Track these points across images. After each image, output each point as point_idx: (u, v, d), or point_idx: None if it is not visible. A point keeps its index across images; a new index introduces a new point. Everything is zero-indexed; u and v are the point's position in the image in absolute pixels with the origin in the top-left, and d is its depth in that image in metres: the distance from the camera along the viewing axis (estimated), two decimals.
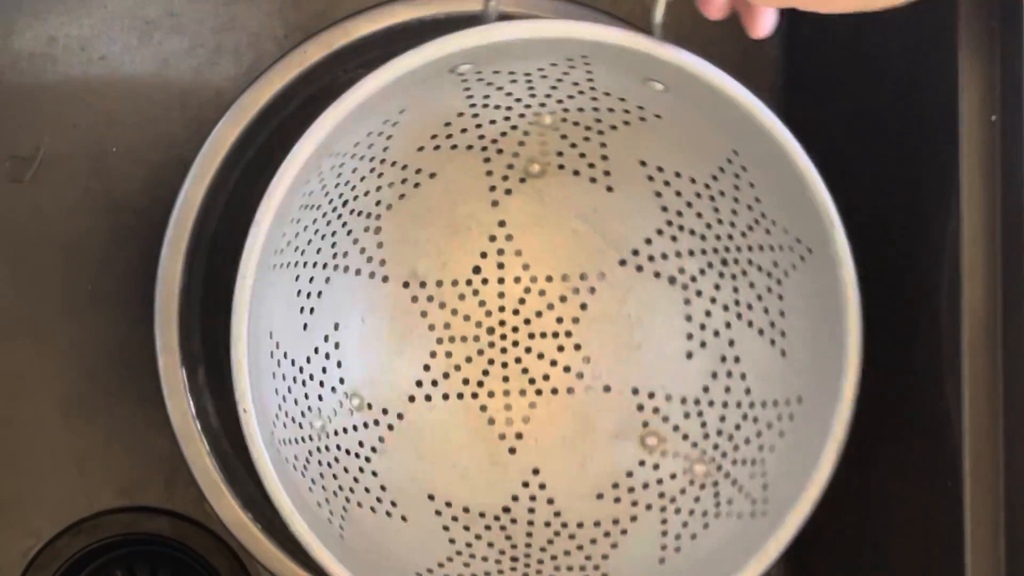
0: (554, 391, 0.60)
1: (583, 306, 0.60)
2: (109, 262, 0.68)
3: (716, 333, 0.58)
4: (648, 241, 0.59)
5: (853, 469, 0.61)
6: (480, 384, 0.60)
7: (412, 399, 0.59)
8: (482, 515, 0.58)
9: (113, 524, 0.68)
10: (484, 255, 0.60)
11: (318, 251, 0.56)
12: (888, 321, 0.56)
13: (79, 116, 0.68)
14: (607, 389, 0.60)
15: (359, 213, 0.57)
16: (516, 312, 0.60)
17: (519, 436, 0.60)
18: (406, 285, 0.59)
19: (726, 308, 0.58)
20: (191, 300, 0.59)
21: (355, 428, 0.58)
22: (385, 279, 0.59)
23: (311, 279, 0.57)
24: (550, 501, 0.58)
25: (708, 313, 0.58)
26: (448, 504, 0.58)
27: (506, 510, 0.58)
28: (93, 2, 0.69)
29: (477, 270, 0.60)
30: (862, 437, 0.60)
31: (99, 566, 0.68)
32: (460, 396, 0.60)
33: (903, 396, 0.56)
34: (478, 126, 0.57)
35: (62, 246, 0.68)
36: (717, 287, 0.58)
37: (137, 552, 0.68)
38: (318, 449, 0.56)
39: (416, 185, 0.58)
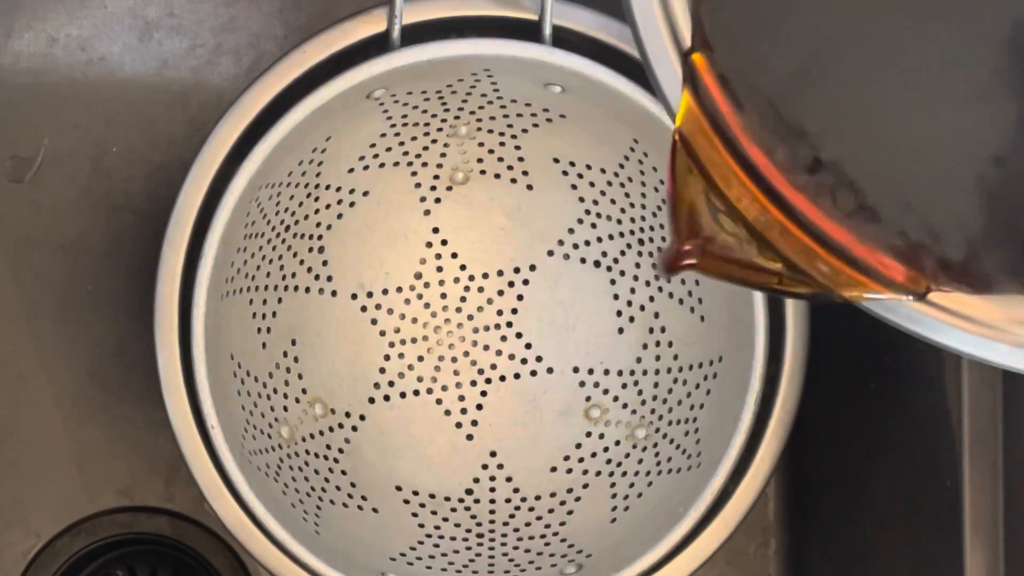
0: (502, 378, 0.64)
1: (519, 297, 0.64)
2: (109, 262, 0.68)
3: (642, 307, 0.63)
4: (571, 231, 0.63)
5: (853, 469, 0.63)
6: (434, 380, 0.64)
7: (372, 400, 0.64)
8: (447, 499, 0.63)
9: (113, 524, 0.67)
10: (423, 261, 0.64)
11: (268, 275, 0.61)
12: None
13: (79, 116, 0.68)
14: (550, 371, 0.64)
15: (302, 236, 0.62)
16: (459, 310, 0.64)
17: (474, 423, 0.64)
18: (354, 297, 0.64)
19: (648, 283, 0.62)
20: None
21: (321, 433, 0.62)
22: (334, 293, 0.63)
23: (264, 301, 0.61)
24: (509, 479, 0.63)
25: (632, 290, 0.63)
26: (415, 493, 0.63)
27: (469, 492, 0.63)
28: (93, 2, 0.68)
29: (418, 275, 0.64)
30: (863, 437, 0.62)
31: (99, 566, 0.68)
32: (416, 393, 0.64)
33: (903, 396, 0.58)
34: (401, 143, 0.61)
35: (62, 246, 0.68)
36: (637, 265, 0.62)
37: (137, 552, 0.68)
38: (288, 456, 0.60)
39: (352, 204, 0.62)
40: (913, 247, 0.36)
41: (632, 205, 0.61)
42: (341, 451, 0.62)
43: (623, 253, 0.62)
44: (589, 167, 0.61)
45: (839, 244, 0.36)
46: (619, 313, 0.63)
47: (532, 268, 0.64)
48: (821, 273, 0.37)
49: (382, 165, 0.62)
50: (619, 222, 0.62)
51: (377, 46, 0.56)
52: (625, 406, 0.63)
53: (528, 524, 0.62)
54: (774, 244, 0.37)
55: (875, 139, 0.36)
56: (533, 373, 0.64)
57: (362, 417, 0.63)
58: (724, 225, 0.38)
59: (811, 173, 0.36)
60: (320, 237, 0.62)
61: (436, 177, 0.63)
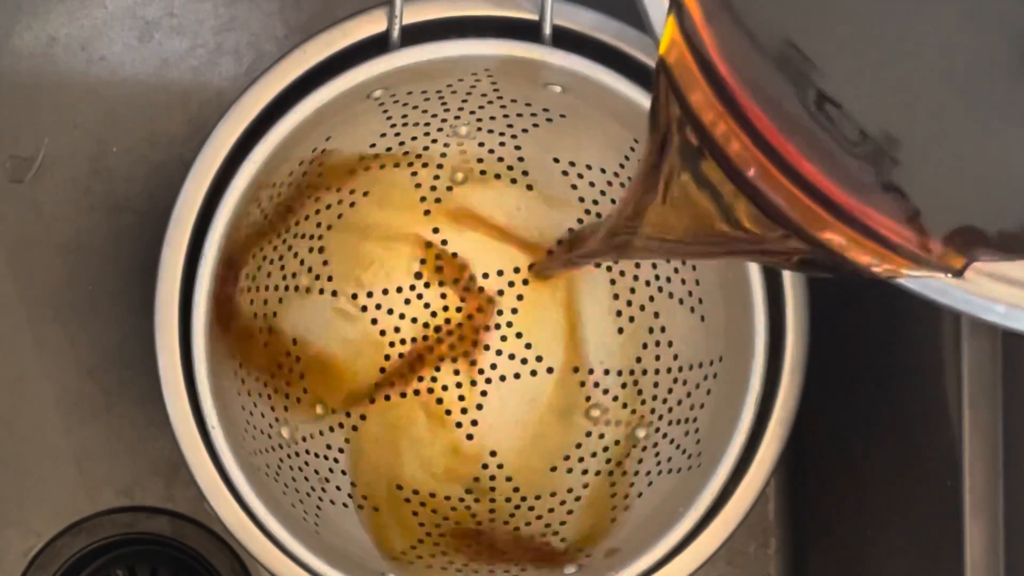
0: (502, 378, 0.64)
1: (519, 297, 0.64)
2: (109, 262, 0.68)
3: (642, 307, 0.63)
4: (571, 231, 0.63)
5: (853, 469, 0.63)
6: (434, 380, 0.64)
7: (372, 400, 0.64)
8: (447, 498, 0.63)
9: (113, 524, 0.67)
10: (423, 261, 0.64)
11: (268, 275, 0.61)
12: (888, 320, 0.58)
13: (79, 116, 0.68)
14: (550, 371, 0.64)
15: (302, 236, 0.62)
16: (459, 309, 0.64)
17: (475, 423, 0.64)
18: (354, 297, 0.64)
19: (648, 284, 0.62)
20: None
21: (321, 433, 0.62)
22: (334, 293, 0.63)
23: (265, 302, 0.61)
24: (508, 479, 0.63)
25: (632, 290, 0.63)
26: (415, 492, 0.63)
27: (469, 491, 0.63)
28: (93, 2, 0.68)
29: (419, 275, 0.64)
30: (863, 436, 0.62)
31: (99, 566, 0.68)
32: (416, 393, 0.64)
33: (903, 395, 0.58)
34: (401, 144, 0.61)
35: (62, 246, 0.68)
36: (637, 265, 0.62)
37: (137, 552, 0.68)
38: (288, 456, 0.60)
39: (352, 204, 0.62)
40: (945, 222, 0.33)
41: None
42: (341, 451, 0.62)
43: None
44: (589, 167, 0.61)
45: (848, 211, 0.33)
46: (619, 313, 0.63)
47: (532, 268, 0.64)
48: (827, 240, 0.34)
49: (382, 166, 0.62)
50: None
51: (377, 46, 0.56)
52: (625, 406, 0.63)
53: (528, 524, 0.62)
54: (763, 195, 0.33)
55: (889, 77, 0.33)
56: (533, 373, 0.64)
57: (362, 417, 0.63)
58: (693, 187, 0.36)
59: (813, 116, 0.32)
60: (321, 237, 0.62)
61: (436, 177, 0.63)
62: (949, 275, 0.34)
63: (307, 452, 0.61)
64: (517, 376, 0.64)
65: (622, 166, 0.60)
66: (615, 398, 0.63)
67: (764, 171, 0.33)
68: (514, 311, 0.64)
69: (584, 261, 0.59)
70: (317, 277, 0.63)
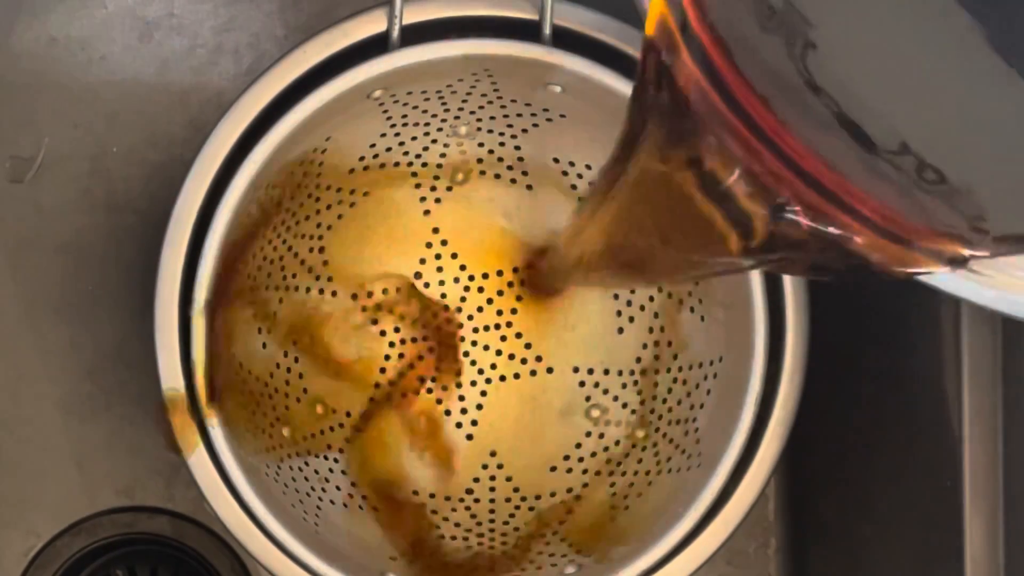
0: (502, 378, 0.64)
1: (519, 297, 0.64)
2: (109, 262, 0.68)
3: (642, 307, 0.63)
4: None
5: (853, 469, 0.63)
6: (434, 380, 0.64)
7: (373, 400, 0.64)
8: (447, 498, 0.63)
9: (113, 524, 0.67)
10: (423, 261, 0.64)
11: (268, 275, 0.61)
12: (888, 320, 0.59)
13: (79, 116, 0.68)
14: (550, 371, 0.64)
15: (302, 236, 0.62)
16: (459, 310, 0.64)
17: (475, 423, 0.64)
18: (354, 297, 0.64)
19: None
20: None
21: (321, 432, 0.62)
22: (334, 293, 0.63)
23: (264, 301, 0.61)
24: (508, 479, 0.63)
25: (632, 290, 0.63)
26: (415, 492, 0.63)
27: (469, 491, 0.63)
28: (93, 2, 0.68)
29: (419, 275, 0.64)
30: (863, 436, 0.62)
31: (99, 566, 0.68)
32: (416, 392, 0.64)
33: (903, 396, 0.58)
34: (401, 144, 0.61)
35: (62, 246, 0.68)
36: None
37: (137, 552, 0.68)
38: (288, 455, 0.60)
39: (352, 204, 0.62)
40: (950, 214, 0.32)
41: None
42: (341, 451, 0.62)
43: None
44: (588, 167, 0.61)
45: (858, 208, 0.32)
46: (619, 313, 0.63)
47: (532, 268, 0.64)
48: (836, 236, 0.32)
49: (382, 165, 0.62)
50: None
51: (377, 46, 0.56)
52: (625, 406, 0.63)
53: (528, 523, 0.62)
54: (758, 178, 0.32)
55: (892, 53, 0.31)
56: (533, 373, 0.64)
57: (362, 417, 0.63)
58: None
59: (810, 94, 0.30)
60: (320, 237, 0.62)
61: (436, 177, 0.63)
62: (952, 267, 0.34)
63: (307, 452, 0.61)
64: (517, 376, 0.64)
65: None
66: (615, 398, 0.63)
67: (760, 161, 0.32)
68: (514, 311, 0.64)
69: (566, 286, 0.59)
70: (317, 277, 0.63)
